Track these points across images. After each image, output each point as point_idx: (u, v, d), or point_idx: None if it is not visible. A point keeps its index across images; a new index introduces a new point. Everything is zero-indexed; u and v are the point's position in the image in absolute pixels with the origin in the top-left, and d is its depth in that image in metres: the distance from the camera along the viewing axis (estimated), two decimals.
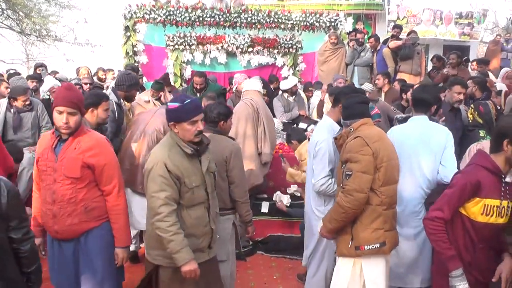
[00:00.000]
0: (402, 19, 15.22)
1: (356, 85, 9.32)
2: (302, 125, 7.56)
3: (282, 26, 10.70)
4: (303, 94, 9.05)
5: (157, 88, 6.98)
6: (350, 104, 3.50)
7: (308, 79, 10.61)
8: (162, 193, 3.11)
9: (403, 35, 11.13)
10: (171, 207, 3.13)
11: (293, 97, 8.25)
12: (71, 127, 3.31)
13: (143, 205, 3.91)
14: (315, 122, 7.63)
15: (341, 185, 3.32)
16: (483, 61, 9.84)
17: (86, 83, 8.05)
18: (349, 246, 3.29)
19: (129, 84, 5.52)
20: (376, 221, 3.24)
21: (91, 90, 7.42)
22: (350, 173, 3.20)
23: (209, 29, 10.35)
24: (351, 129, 3.41)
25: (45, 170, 3.39)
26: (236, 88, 7.60)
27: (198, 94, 7.87)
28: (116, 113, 5.24)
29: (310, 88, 9.37)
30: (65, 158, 3.34)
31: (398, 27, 10.62)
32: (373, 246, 3.24)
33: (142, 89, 8.48)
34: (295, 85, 8.28)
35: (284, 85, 8.22)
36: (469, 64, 10.20)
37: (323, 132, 4.01)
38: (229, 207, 4.04)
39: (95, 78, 9.78)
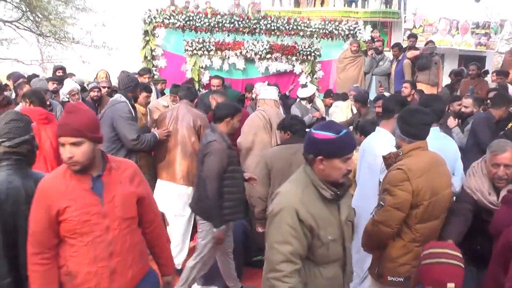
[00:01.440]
0: (418, 28, 15.23)
1: (373, 94, 9.37)
2: None
3: (301, 33, 10.72)
4: (319, 101, 9.03)
5: (175, 92, 6.94)
6: (417, 124, 3.18)
7: (325, 87, 10.62)
8: (285, 246, 2.46)
9: (419, 44, 11.16)
10: (294, 266, 2.45)
11: (311, 104, 8.23)
12: (78, 161, 2.55)
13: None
14: None
15: (372, 211, 3.22)
16: (503, 72, 9.75)
17: (104, 87, 8.00)
18: (375, 271, 3.24)
19: (135, 84, 5.64)
20: (405, 256, 3.12)
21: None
22: (383, 204, 3.07)
23: (228, 35, 10.39)
24: (400, 152, 3.20)
25: (88, 220, 2.58)
26: (256, 96, 7.62)
27: None
28: (133, 113, 5.36)
29: (331, 94, 9.36)
30: (116, 196, 2.68)
31: (413, 36, 10.62)
32: (396, 279, 3.14)
33: (162, 94, 8.54)
34: (313, 94, 8.20)
35: (303, 93, 8.19)
36: (489, 75, 10.15)
37: (387, 144, 3.81)
38: None
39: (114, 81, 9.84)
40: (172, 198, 5.51)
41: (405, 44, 10.39)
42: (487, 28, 15.46)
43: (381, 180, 3.82)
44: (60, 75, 9.14)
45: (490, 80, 9.87)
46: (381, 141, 3.98)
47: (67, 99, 7.01)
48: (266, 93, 6.11)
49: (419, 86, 9.24)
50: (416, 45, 10.40)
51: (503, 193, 3.25)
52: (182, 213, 5.52)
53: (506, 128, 5.54)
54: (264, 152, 4.84)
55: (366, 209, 3.91)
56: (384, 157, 3.42)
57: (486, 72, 10.08)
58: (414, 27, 15.25)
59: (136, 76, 7.53)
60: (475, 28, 15.34)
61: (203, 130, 5.54)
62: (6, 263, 2.76)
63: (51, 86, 7.68)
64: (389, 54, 10.55)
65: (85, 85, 8.97)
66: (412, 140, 3.17)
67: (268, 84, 7.71)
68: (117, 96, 5.42)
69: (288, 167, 4.24)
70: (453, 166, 3.87)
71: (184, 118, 5.58)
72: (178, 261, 5.35)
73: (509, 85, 9.12)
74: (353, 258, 4.28)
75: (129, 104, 5.33)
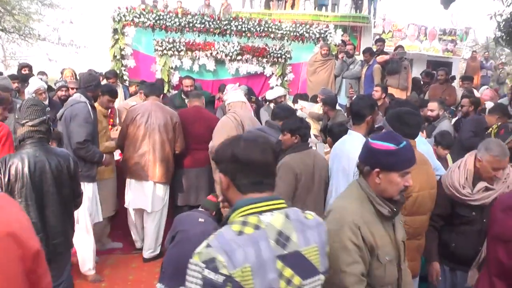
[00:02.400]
0: (388, 33, 15.46)
1: (343, 98, 9.42)
2: None
3: (272, 35, 10.70)
4: (291, 105, 9.00)
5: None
6: (414, 125, 3.26)
7: (295, 89, 10.63)
8: (356, 266, 2.22)
9: (388, 49, 11.29)
10: (364, 284, 2.27)
11: None
12: None
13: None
14: None
15: None
16: (469, 78, 10.00)
17: (73, 88, 7.37)
18: None
19: (96, 83, 5.53)
20: None
21: None
22: None
23: (198, 36, 10.29)
24: None
25: None
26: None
27: (186, 100, 7.79)
28: (92, 115, 5.16)
29: (299, 100, 9.35)
30: None
31: (381, 40, 10.71)
32: None
33: (131, 94, 8.41)
34: (280, 97, 8.02)
35: (269, 95, 8.15)
36: (455, 80, 10.34)
37: (360, 148, 3.88)
38: None
39: None
40: (149, 196, 5.63)
41: (374, 49, 10.46)
42: (454, 35, 15.81)
43: None
44: (25, 73, 8.88)
45: (457, 85, 10.04)
46: (354, 144, 3.95)
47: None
48: (233, 96, 6.01)
49: (389, 90, 9.33)
50: (386, 50, 10.49)
51: (480, 185, 3.45)
52: (157, 208, 5.72)
53: (486, 133, 5.64)
54: (287, 160, 4.11)
55: None
56: None
57: (454, 78, 10.25)
58: (384, 32, 15.47)
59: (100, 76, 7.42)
60: (442, 35, 15.67)
61: (178, 127, 5.69)
62: (38, 221, 3.41)
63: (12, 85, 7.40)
64: (359, 58, 10.60)
65: (54, 84, 8.74)
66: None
67: (239, 85, 7.67)
68: (77, 96, 5.27)
69: (311, 177, 4.19)
70: (434, 167, 3.90)
71: (157, 116, 5.61)
72: (157, 251, 5.81)
73: (474, 90, 9.32)
74: None
75: (89, 105, 5.16)
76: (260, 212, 1.83)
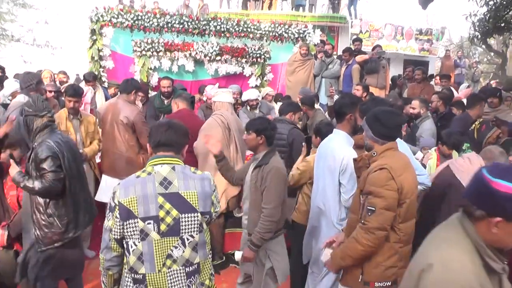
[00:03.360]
0: (365, 33, 15.61)
1: (323, 97, 9.47)
2: None
3: (251, 35, 10.72)
4: (273, 103, 9.01)
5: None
6: (393, 126, 3.14)
7: (275, 90, 10.63)
8: None
9: (366, 48, 11.39)
10: None
11: (257, 110, 8.00)
12: None
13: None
14: None
15: (360, 219, 3.08)
16: (446, 76, 10.16)
17: (50, 91, 7.22)
18: (359, 280, 3.09)
19: (37, 81, 5.70)
20: (391, 258, 3.04)
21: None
22: (374, 209, 2.95)
23: (177, 36, 10.24)
24: (374, 153, 3.14)
25: None
26: (207, 99, 7.52)
27: (166, 101, 7.74)
28: None
29: (280, 99, 9.37)
30: None
31: (358, 40, 10.81)
32: (384, 284, 3.05)
33: (111, 96, 8.32)
34: (252, 100, 7.87)
35: (245, 96, 8.12)
36: (433, 79, 10.47)
37: (346, 146, 3.92)
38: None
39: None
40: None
41: (352, 48, 10.54)
42: (430, 35, 16.05)
43: (341, 182, 3.89)
44: None
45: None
46: (340, 143, 3.99)
47: (9, 101, 6.65)
48: (221, 96, 5.93)
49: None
50: (363, 50, 10.59)
51: None
52: None
53: (469, 129, 5.75)
54: (278, 166, 3.89)
55: (327, 211, 4.02)
56: (355, 160, 3.41)
57: (432, 76, 10.38)
58: (361, 32, 15.62)
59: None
60: (419, 34, 15.90)
61: (137, 125, 5.75)
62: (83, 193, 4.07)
63: None
64: (337, 58, 10.66)
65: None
66: (385, 142, 3.14)
67: (219, 87, 7.65)
68: (20, 97, 5.24)
69: None
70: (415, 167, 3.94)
71: (119, 114, 5.71)
72: None
73: (452, 88, 9.49)
74: (311, 258, 4.32)
75: None
76: (156, 164, 2.74)
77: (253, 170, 3.89)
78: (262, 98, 8.57)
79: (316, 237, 4.23)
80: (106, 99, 8.06)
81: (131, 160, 5.77)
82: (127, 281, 2.69)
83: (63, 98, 6.75)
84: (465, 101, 7.92)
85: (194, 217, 2.68)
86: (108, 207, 2.69)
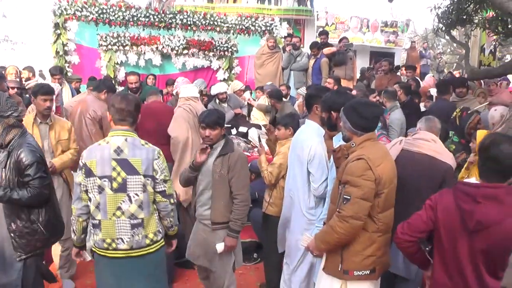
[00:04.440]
0: (331, 26, 15.69)
1: (293, 89, 9.49)
2: (242, 129, 7.52)
3: (218, 29, 10.67)
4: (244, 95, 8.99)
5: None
6: (370, 117, 3.13)
7: (242, 82, 10.61)
8: None
9: (332, 41, 11.46)
10: None
11: (225, 104, 8.00)
12: None
13: None
14: (255, 126, 7.63)
15: (337, 208, 3.10)
16: (412, 67, 10.35)
17: (13, 87, 6.81)
18: (338, 268, 3.13)
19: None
20: (370, 248, 3.08)
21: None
22: (349, 197, 2.98)
23: (143, 30, 10.11)
24: (352, 144, 3.15)
25: None
26: (177, 92, 7.42)
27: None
28: None
29: (250, 91, 9.39)
30: None
31: (324, 33, 10.84)
32: (362, 273, 3.09)
33: (78, 92, 8.15)
34: (221, 93, 7.87)
35: (213, 90, 8.09)
36: (400, 70, 10.63)
37: (314, 136, 3.95)
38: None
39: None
40: None
41: (318, 41, 10.59)
42: (395, 27, 16.28)
43: (310, 170, 3.92)
44: None
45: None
46: (308, 133, 4.04)
47: None
48: (187, 91, 6.01)
49: None
50: (330, 42, 10.65)
51: None
52: None
53: (451, 117, 5.87)
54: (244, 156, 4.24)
55: (297, 200, 4.07)
56: (333, 151, 3.41)
57: (398, 68, 10.53)
58: (327, 24, 15.69)
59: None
60: (384, 27, 16.10)
61: (104, 120, 5.60)
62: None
63: None
64: (305, 51, 10.69)
65: None
66: (363, 133, 3.15)
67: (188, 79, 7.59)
68: None
69: None
70: None
71: (87, 109, 5.63)
72: None
73: (417, 78, 9.68)
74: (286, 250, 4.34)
75: None
76: (113, 136, 3.27)
77: (215, 159, 3.93)
78: (233, 92, 8.56)
79: (288, 226, 4.27)
80: (73, 95, 7.88)
81: None
82: (90, 226, 3.38)
83: (27, 95, 6.61)
84: (432, 90, 8.13)
85: (138, 179, 3.22)
86: (78, 167, 3.31)
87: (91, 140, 5.57)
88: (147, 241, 3.30)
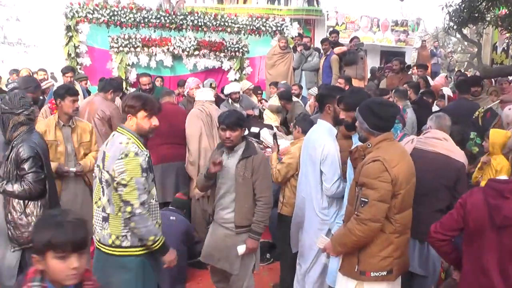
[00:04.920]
0: (341, 25, 15.66)
1: (304, 90, 9.47)
2: (254, 129, 7.50)
3: (228, 29, 10.70)
4: (253, 97, 9.01)
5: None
6: (387, 117, 3.13)
7: (254, 83, 10.62)
8: None
9: (342, 41, 11.44)
10: None
11: (238, 104, 8.00)
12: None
13: None
14: (267, 126, 7.62)
15: (354, 211, 3.09)
16: (423, 66, 10.30)
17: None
18: (355, 269, 3.12)
19: (35, 85, 5.61)
20: (387, 249, 3.07)
21: None
22: (366, 200, 2.97)
23: (154, 31, 10.15)
24: (369, 145, 3.13)
25: None
26: (188, 92, 7.45)
27: None
28: None
29: (259, 92, 9.38)
30: None
31: (335, 32, 10.85)
32: (379, 273, 3.07)
33: (88, 93, 8.17)
34: (235, 93, 7.85)
35: (226, 89, 8.11)
36: (411, 69, 10.56)
37: (326, 136, 3.95)
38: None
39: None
40: None
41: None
42: (405, 26, 16.21)
43: (322, 170, 3.92)
44: None
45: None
46: (320, 133, 4.03)
47: None
48: (202, 94, 6.07)
49: None
50: (340, 41, 10.62)
51: None
52: None
53: (473, 117, 5.82)
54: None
55: (310, 200, 4.08)
56: (350, 151, 3.39)
57: (409, 67, 10.47)
58: (337, 24, 15.67)
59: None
60: (395, 26, 16.04)
61: (113, 119, 5.69)
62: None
63: None
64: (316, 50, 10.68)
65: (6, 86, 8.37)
66: (379, 133, 3.12)
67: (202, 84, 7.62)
68: None
69: None
70: None
71: (96, 109, 5.67)
72: None
73: (428, 77, 9.63)
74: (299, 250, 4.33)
75: None
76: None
77: (238, 162, 3.88)
78: (242, 92, 8.56)
79: (301, 226, 4.26)
80: (84, 96, 7.91)
81: None
82: None
83: (41, 97, 6.65)
84: (444, 90, 8.08)
85: (104, 173, 3.20)
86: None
87: (101, 140, 5.60)
88: (110, 241, 3.21)
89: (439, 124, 4.09)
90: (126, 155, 3.10)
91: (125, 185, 3.09)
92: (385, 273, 3.08)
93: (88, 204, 4.53)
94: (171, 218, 5.00)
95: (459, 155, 3.85)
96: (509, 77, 9.21)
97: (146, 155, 3.22)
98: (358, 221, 2.99)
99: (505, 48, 12.75)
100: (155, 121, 3.28)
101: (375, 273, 3.07)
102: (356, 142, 3.52)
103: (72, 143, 4.70)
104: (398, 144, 3.31)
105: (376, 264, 3.06)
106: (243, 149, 3.92)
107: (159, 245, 3.26)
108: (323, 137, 3.96)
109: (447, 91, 7.93)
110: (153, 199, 3.31)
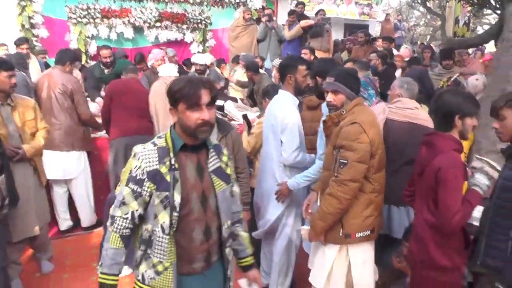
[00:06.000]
0: None
1: (268, 62, 9.37)
2: (219, 102, 7.38)
3: (191, 0, 10.43)
4: (218, 70, 8.85)
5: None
6: (360, 81, 3.33)
7: (217, 55, 10.46)
8: None
9: (306, 13, 11.34)
10: None
11: (205, 75, 7.85)
12: None
13: None
14: (232, 98, 7.52)
15: (334, 173, 3.12)
16: (388, 38, 10.30)
17: None
18: (340, 234, 3.16)
19: None
20: (368, 208, 3.15)
21: None
22: (346, 161, 3.03)
23: (114, 2, 9.83)
24: (343, 111, 3.18)
25: None
26: (152, 64, 7.24)
27: (106, 71, 7.42)
28: None
29: (223, 64, 9.23)
30: None
31: (301, 4, 10.73)
32: (364, 233, 3.15)
33: (47, 67, 7.86)
34: (198, 64, 7.56)
35: (197, 58, 7.91)
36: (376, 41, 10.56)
37: (289, 106, 3.89)
38: None
39: None
40: (60, 165, 5.45)
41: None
42: None
43: (282, 140, 3.86)
44: None
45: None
46: (282, 102, 3.98)
47: None
48: (166, 70, 5.93)
49: None
50: (306, 14, 10.53)
51: None
52: (71, 176, 5.57)
53: (440, 86, 5.87)
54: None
55: (270, 167, 4.05)
56: (324, 121, 3.40)
57: (374, 39, 10.45)
58: None
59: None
60: None
61: (75, 94, 5.46)
62: None
63: None
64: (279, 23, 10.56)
65: None
66: (355, 96, 3.23)
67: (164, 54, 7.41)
68: None
69: None
70: None
71: (56, 83, 5.40)
72: (93, 220, 5.81)
73: (394, 49, 9.67)
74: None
75: None
76: None
77: (219, 141, 3.65)
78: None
79: (263, 194, 4.20)
80: (41, 70, 7.62)
81: (71, 131, 5.46)
82: None
83: None
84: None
85: None
86: None
87: (64, 114, 5.40)
88: None
89: (411, 93, 4.10)
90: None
91: None
92: (368, 232, 3.18)
93: (38, 188, 4.40)
94: None
95: (430, 123, 3.86)
96: (468, 49, 9.34)
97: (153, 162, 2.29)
98: (338, 183, 3.05)
99: (467, 21, 12.95)
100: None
101: (360, 234, 3.15)
102: (326, 111, 3.52)
103: (14, 123, 4.18)
104: (369, 108, 3.39)
105: (360, 224, 3.15)
106: (216, 127, 3.62)
107: (101, 281, 2.30)
108: (284, 106, 3.91)
109: None
110: (160, 228, 2.26)
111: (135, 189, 2.25)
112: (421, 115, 3.92)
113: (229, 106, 7.11)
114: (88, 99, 6.49)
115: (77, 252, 5.24)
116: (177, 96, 2.22)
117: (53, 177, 5.41)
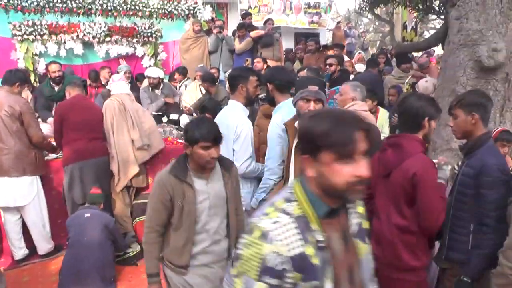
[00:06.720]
0: (254, 8, 15.63)
1: (222, 73, 9.41)
2: (173, 116, 7.36)
3: (140, 13, 10.33)
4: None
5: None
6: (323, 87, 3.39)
7: (169, 69, 10.43)
8: None
9: (256, 23, 11.50)
10: None
11: (158, 91, 7.85)
12: None
13: None
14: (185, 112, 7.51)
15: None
16: (339, 45, 10.57)
17: None
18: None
19: None
20: None
21: None
22: None
23: (61, 17, 9.60)
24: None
25: None
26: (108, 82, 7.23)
27: (56, 88, 7.28)
28: None
29: (175, 77, 9.20)
30: None
31: (249, 14, 10.87)
32: None
33: None
34: (151, 77, 7.76)
35: (151, 72, 7.89)
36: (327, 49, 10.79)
37: (241, 115, 3.94)
38: None
39: None
40: (10, 192, 5.26)
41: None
42: (318, 8, 16.51)
43: (234, 149, 3.91)
44: None
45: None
46: (233, 112, 4.03)
47: None
48: (117, 88, 5.97)
49: None
50: (254, 24, 10.68)
51: None
52: (23, 203, 5.35)
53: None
54: None
55: None
56: (285, 125, 3.45)
57: (325, 47, 10.65)
58: (250, 7, 15.63)
59: None
60: (307, 8, 16.30)
61: (25, 116, 5.30)
62: None
63: None
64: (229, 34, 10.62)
65: None
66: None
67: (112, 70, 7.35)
68: None
69: None
70: None
71: (2, 105, 5.22)
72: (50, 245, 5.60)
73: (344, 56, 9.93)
74: None
75: None
76: None
77: (224, 176, 3.28)
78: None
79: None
80: None
81: (21, 155, 5.27)
82: None
83: None
84: (357, 66, 8.35)
85: None
86: None
87: (12, 138, 5.23)
88: None
89: (363, 95, 4.25)
90: None
91: None
92: None
93: None
94: (86, 215, 4.75)
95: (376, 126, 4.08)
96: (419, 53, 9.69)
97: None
98: None
99: (414, 26, 13.41)
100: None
101: None
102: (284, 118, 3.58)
103: None
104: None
105: None
106: (218, 162, 3.17)
107: None
108: (236, 116, 3.95)
109: (360, 67, 8.20)
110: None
111: (273, 283, 1.59)
112: (371, 117, 4.05)
113: (184, 120, 7.09)
114: (39, 119, 6.34)
115: (35, 281, 5.06)
116: (321, 142, 1.58)
117: (3, 205, 5.24)
